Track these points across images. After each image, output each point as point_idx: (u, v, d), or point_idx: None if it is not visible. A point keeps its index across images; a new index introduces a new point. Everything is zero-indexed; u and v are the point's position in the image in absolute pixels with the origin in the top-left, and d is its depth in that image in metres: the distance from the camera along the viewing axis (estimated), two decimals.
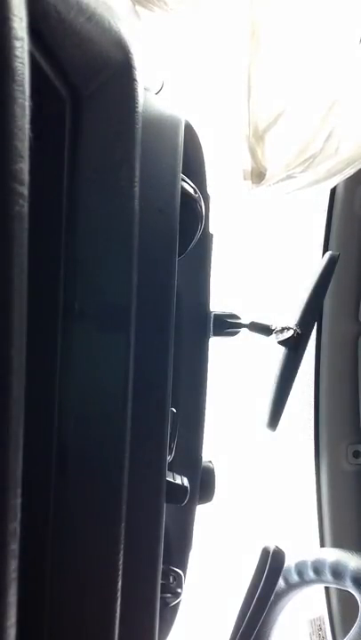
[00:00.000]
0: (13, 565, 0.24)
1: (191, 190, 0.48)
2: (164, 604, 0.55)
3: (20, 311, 0.24)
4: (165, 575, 0.55)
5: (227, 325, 0.64)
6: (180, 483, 0.50)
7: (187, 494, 0.50)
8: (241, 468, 1.27)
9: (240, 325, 0.65)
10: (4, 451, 0.23)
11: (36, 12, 0.27)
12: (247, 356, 1.15)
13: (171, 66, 0.76)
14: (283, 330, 0.65)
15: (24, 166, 0.23)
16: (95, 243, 0.35)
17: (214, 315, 0.63)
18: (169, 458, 0.49)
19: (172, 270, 0.42)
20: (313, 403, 1.22)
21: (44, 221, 0.33)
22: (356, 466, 1.23)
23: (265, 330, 0.66)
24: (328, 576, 1.00)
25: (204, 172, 0.57)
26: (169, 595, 0.55)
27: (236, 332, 0.65)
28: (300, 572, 1.04)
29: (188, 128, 0.50)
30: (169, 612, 0.57)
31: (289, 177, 0.84)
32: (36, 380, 0.27)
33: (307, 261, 1.21)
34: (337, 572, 0.99)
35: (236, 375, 1.24)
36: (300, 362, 0.66)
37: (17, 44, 0.23)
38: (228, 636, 0.79)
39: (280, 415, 0.67)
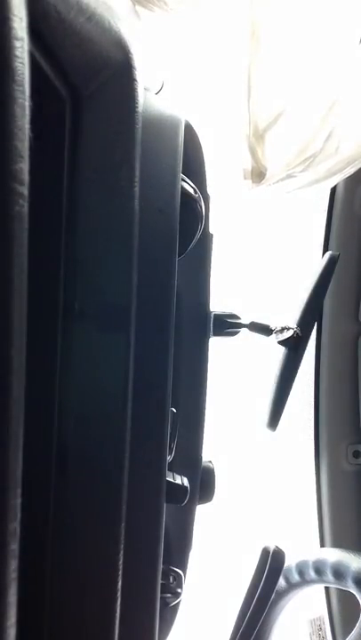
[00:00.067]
0: (13, 565, 0.24)
1: (191, 190, 0.48)
2: (164, 604, 0.55)
3: (20, 311, 0.24)
4: (165, 575, 0.55)
5: (227, 325, 0.64)
6: (180, 483, 0.50)
7: (187, 494, 0.50)
8: (241, 468, 1.27)
9: (240, 325, 0.65)
10: (3, 451, 0.23)
11: (36, 12, 0.27)
12: (247, 355, 1.15)
13: (171, 66, 0.76)
14: (283, 330, 0.65)
15: (24, 166, 0.23)
16: (95, 243, 0.35)
17: (214, 315, 0.63)
18: (169, 458, 0.49)
19: (172, 270, 0.42)
20: (313, 403, 1.22)
21: (44, 221, 0.33)
22: (356, 466, 1.23)
23: (265, 330, 0.66)
24: (329, 576, 1.00)
25: (204, 172, 0.57)
26: (169, 595, 0.55)
27: (236, 332, 0.65)
28: (301, 572, 1.04)
29: (188, 128, 0.50)
30: (169, 612, 0.57)
31: (289, 176, 0.84)
32: (36, 380, 0.27)
33: (307, 261, 1.21)
34: (339, 573, 0.99)
35: (236, 375, 1.24)
36: (300, 362, 0.66)
37: (17, 44, 0.23)
38: (228, 636, 0.79)
39: (280, 415, 0.67)
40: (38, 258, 0.27)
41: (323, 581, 1.03)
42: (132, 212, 0.36)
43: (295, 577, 1.05)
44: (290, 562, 1.05)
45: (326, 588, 1.21)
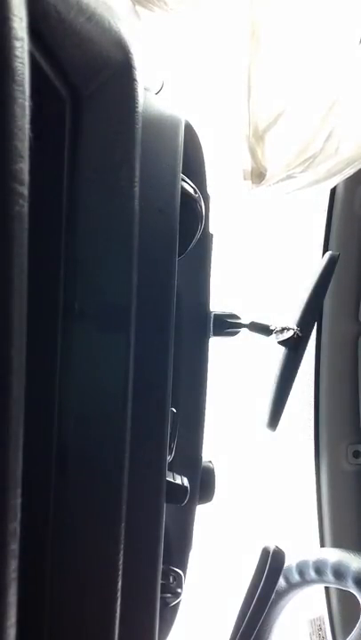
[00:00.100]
0: (13, 565, 0.24)
1: (191, 190, 0.48)
2: (164, 604, 0.55)
3: (20, 311, 0.24)
4: (165, 575, 0.55)
5: (227, 325, 0.64)
6: (180, 483, 0.50)
7: (187, 494, 0.50)
8: (241, 468, 1.27)
9: (240, 325, 0.65)
10: (3, 451, 0.23)
11: (36, 12, 0.27)
12: (247, 355, 1.15)
13: (171, 66, 0.76)
14: (283, 330, 0.65)
15: (24, 166, 0.23)
16: (95, 243, 0.35)
17: (214, 315, 0.63)
18: (169, 458, 0.49)
19: (172, 270, 0.42)
20: (313, 403, 1.22)
21: (44, 221, 0.33)
22: (356, 466, 1.23)
23: (265, 330, 0.66)
24: (330, 576, 1.00)
25: (204, 172, 0.57)
26: (169, 595, 0.55)
27: (236, 332, 0.65)
28: (301, 572, 1.04)
29: (188, 128, 0.50)
30: (169, 612, 0.57)
31: (289, 177, 0.84)
32: (36, 380, 0.27)
33: (307, 261, 1.21)
34: (339, 573, 0.99)
35: (236, 375, 1.24)
36: (300, 362, 0.66)
37: (17, 44, 0.23)
38: (228, 636, 0.79)
39: (280, 415, 0.67)
40: (38, 258, 0.27)
41: (323, 581, 1.03)
42: (132, 212, 0.36)
43: (295, 577, 1.05)
44: (290, 562, 1.05)
45: (326, 588, 1.21)
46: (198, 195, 0.49)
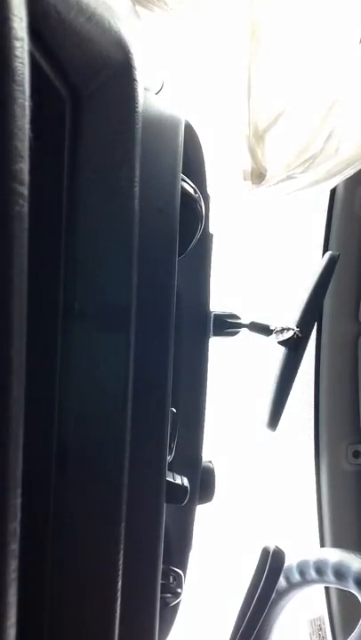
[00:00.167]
0: (13, 565, 0.24)
1: (191, 190, 0.48)
2: (164, 604, 0.55)
3: (20, 311, 0.24)
4: (165, 575, 0.55)
5: (227, 325, 0.64)
6: (180, 483, 0.50)
7: (187, 494, 0.50)
8: (241, 468, 1.27)
9: (240, 325, 0.65)
10: (3, 451, 0.23)
11: (36, 12, 0.27)
12: (247, 355, 1.15)
13: (171, 66, 0.76)
14: (283, 330, 0.65)
15: (24, 166, 0.23)
16: (95, 243, 0.35)
17: (214, 315, 0.63)
18: (169, 458, 0.49)
19: (172, 270, 0.42)
20: (313, 403, 1.22)
21: (44, 221, 0.33)
22: (356, 466, 1.23)
23: (265, 330, 0.66)
24: (330, 576, 1.00)
25: (204, 172, 0.57)
26: (169, 595, 0.55)
27: (236, 332, 0.65)
28: (302, 572, 1.04)
29: (188, 128, 0.50)
30: (169, 612, 0.57)
31: (289, 177, 0.84)
32: (36, 380, 0.27)
33: (307, 261, 1.21)
34: (340, 573, 0.99)
35: (236, 375, 1.24)
36: (300, 362, 0.66)
37: (17, 44, 0.23)
38: (228, 636, 0.79)
39: (280, 415, 0.67)
40: (38, 258, 0.27)
41: (324, 581, 1.03)
42: (132, 211, 0.36)
43: (296, 577, 1.05)
44: (291, 562, 1.05)
45: (326, 588, 1.21)
46: (198, 195, 0.49)
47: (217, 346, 0.64)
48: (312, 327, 0.67)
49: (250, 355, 1.13)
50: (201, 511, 0.62)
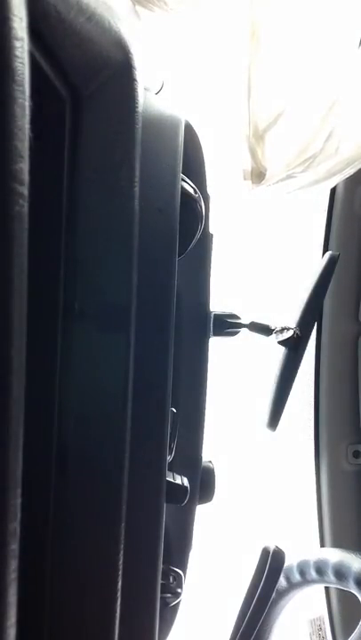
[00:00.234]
0: (13, 565, 0.24)
1: (191, 190, 0.48)
2: (164, 604, 0.55)
3: (20, 311, 0.24)
4: (165, 575, 0.55)
5: (227, 325, 0.64)
6: (180, 483, 0.50)
7: (187, 494, 0.50)
8: (241, 468, 1.27)
9: (240, 325, 0.65)
10: (3, 451, 0.23)
11: (36, 12, 0.27)
12: (247, 355, 1.15)
13: (171, 66, 0.76)
14: (283, 330, 0.65)
15: (24, 166, 0.23)
16: (95, 243, 0.35)
17: (214, 315, 0.63)
18: (169, 458, 0.49)
19: (172, 270, 0.42)
20: (313, 403, 1.22)
21: (44, 221, 0.33)
22: (356, 466, 1.23)
23: (265, 330, 0.66)
24: (331, 576, 1.00)
25: (204, 172, 0.57)
26: (169, 595, 0.55)
27: (236, 332, 0.65)
28: (302, 572, 1.04)
29: (188, 128, 0.50)
30: (169, 612, 0.57)
31: (289, 177, 0.84)
32: (36, 380, 0.27)
33: (307, 261, 1.21)
34: (340, 573, 0.99)
35: (236, 375, 1.24)
36: (300, 362, 0.66)
37: (17, 44, 0.23)
38: (228, 636, 0.79)
39: (280, 415, 0.67)
40: (38, 258, 0.27)
41: (324, 581, 1.03)
42: (132, 211, 0.36)
43: (296, 577, 1.05)
44: (291, 561, 1.05)
45: (326, 588, 1.21)
46: (198, 195, 0.49)
47: (217, 346, 0.64)
48: (312, 327, 0.67)
49: (250, 355, 1.13)
50: (201, 511, 0.62)
